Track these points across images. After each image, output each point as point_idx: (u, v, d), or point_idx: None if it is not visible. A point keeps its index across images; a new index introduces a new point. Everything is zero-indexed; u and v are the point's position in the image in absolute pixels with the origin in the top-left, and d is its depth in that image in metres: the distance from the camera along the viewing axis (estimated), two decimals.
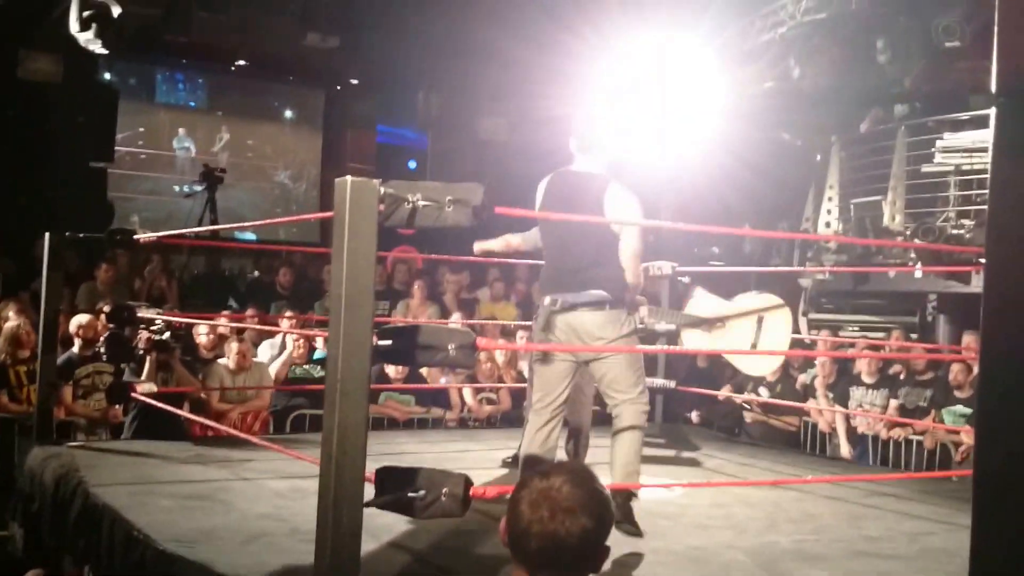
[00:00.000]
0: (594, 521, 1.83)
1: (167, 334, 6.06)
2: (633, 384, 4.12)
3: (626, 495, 4.10)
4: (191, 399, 6.50)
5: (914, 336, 8.77)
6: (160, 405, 5.70)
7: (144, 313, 6.31)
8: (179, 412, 5.75)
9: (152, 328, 6.01)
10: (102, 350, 6.12)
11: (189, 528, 3.82)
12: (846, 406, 7.42)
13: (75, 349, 6.39)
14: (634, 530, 4.04)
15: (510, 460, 5.54)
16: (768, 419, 7.64)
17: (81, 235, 6.28)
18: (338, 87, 13.65)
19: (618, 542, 4.00)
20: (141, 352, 6.00)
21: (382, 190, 3.00)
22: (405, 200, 3.07)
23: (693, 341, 5.69)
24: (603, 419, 6.69)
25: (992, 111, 1.68)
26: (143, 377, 5.93)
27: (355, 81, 13.41)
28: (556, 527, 1.80)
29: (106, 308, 6.68)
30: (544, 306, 4.15)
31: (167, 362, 6.14)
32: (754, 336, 5.50)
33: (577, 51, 8.80)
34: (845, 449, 7.34)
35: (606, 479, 4.64)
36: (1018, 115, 1.70)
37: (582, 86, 9.14)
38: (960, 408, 6.83)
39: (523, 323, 8.00)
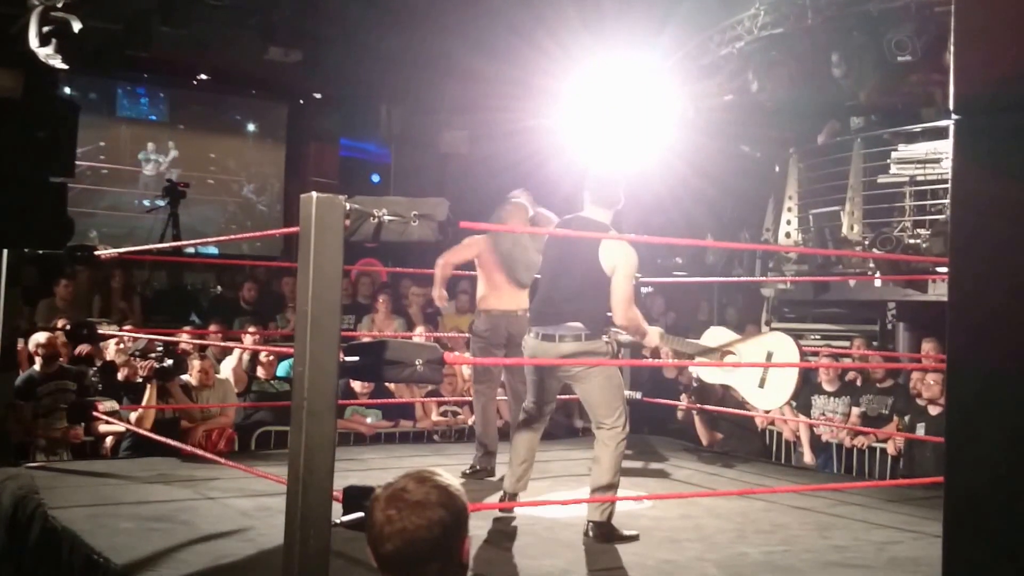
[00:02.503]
0: (443, 510, 1.85)
1: (169, 361, 6.08)
2: (609, 412, 4.35)
3: (601, 521, 4.26)
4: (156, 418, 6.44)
5: (875, 344, 8.89)
6: (146, 433, 5.73)
7: (104, 330, 6.25)
8: (169, 442, 5.69)
9: (152, 356, 6.05)
10: (97, 385, 6.17)
11: (151, 551, 3.76)
12: (808, 415, 7.50)
13: (36, 367, 6.28)
14: (627, 538, 4.24)
15: (468, 472, 5.71)
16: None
17: (40, 251, 6.19)
18: (301, 101, 13.59)
19: (591, 554, 4.03)
20: (141, 380, 6.04)
21: (348, 206, 2.99)
22: (370, 215, 3.08)
23: (706, 372, 5.94)
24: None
25: (945, 123, 1.71)
26: (143, 404, 6.03)
27: (318, 95, 13.36)
28: (405, 523, 1.82)
29: (64, 324, 6.58)
30: (527, 339, 4.55)
31: (166, 388, 6.17)
32: (763, 371, 5.62)
33: (537, 63, 8.85)
34: (808, 457, 7.42)
35: (567, 492, 4.67)
36: (974, 132, 1.72)
37: (542, 99, 9.19)
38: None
39: None
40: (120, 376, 6.56)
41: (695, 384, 7.69)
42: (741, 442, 7.57)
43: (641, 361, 7.24)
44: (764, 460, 7.23)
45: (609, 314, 4.47)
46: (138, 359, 6.29)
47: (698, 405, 7.47)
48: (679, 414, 7.88)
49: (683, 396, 7.67)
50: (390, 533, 1.83)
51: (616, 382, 4.44)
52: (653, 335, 4.75)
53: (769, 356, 5.58)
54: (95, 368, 6.35)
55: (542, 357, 4.44)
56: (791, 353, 5.60)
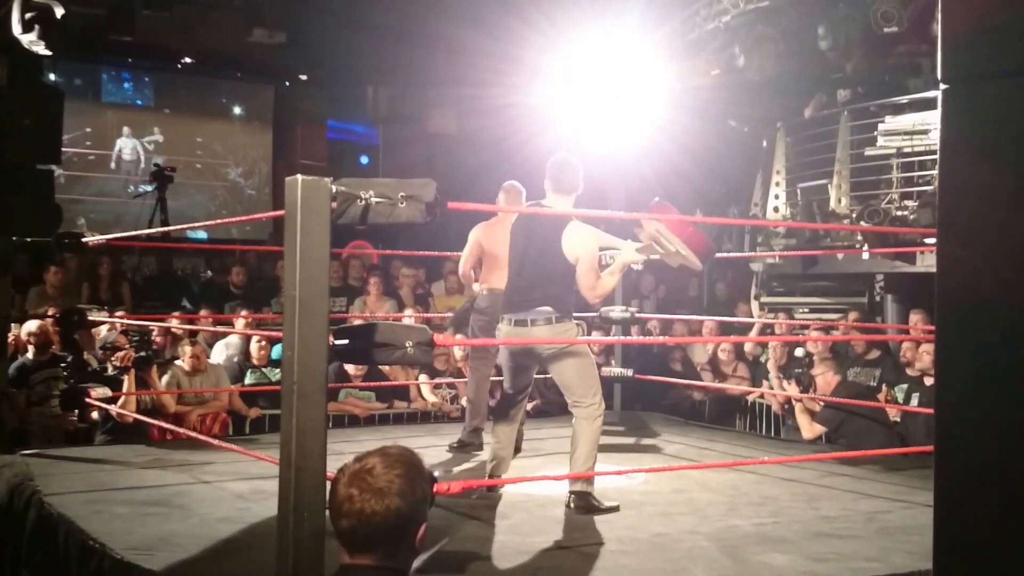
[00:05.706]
0: (402, 501, 1.92)
1: (145, 352, 6.06)
2: (583, 392, 4.48)
3: (582, 491, 4.39)
4: (147, 401, 6.44)
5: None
6: (132, 415, 5.71)
7: (95, 316, 6.24)
8: (154, 422, 5.71)
9: (128, 345, 6.01)
10: (64, 372, 6.11)
11: (146, 535, 3.79)
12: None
13: (29, 355, 6.28)
14: (608, 508, 4.35)
15: (456, 445, 5.86)
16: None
17: (29, 239, 6.17)
18: (287, 83, 13.52)
19: (583, 530, 4.06)
20: (117, 369, 6.00)
21: (334, 188, 2.99)
22: (357, 197, 3.07)
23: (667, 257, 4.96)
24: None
25: (932, 93, 1.70)
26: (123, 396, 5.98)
27: (304, 77, 13.29)
28: (363, 506, 1.90)
29: (53, 311, 6.57)
30: (501, 326, 4.67)
31: (145, 378, 6.15)
32: (670, 245, 4.82)
33: (523, 38, 8.81)
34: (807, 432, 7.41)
35: (560, 469, 4.71)
36: (962, 100, 1.73)
37: (528, 75, 9.15)
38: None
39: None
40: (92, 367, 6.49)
41: (799, 370, 6.94)
42: (860, 437, 6.15)
43: (634, 339, 7.27)
44: (753, 433, 7.22)
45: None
46: (109, 351, 6.26)
47: (800, 394, 6.56)
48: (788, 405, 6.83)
49: (783, 382, 7.01)
50: (348, 511, 1.91)
51: (590, 361, 4.60)
52: (628, 256, 4.70)
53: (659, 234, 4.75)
54: (67, 361, 6.29)
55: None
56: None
